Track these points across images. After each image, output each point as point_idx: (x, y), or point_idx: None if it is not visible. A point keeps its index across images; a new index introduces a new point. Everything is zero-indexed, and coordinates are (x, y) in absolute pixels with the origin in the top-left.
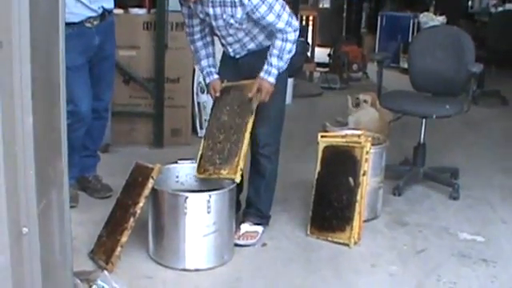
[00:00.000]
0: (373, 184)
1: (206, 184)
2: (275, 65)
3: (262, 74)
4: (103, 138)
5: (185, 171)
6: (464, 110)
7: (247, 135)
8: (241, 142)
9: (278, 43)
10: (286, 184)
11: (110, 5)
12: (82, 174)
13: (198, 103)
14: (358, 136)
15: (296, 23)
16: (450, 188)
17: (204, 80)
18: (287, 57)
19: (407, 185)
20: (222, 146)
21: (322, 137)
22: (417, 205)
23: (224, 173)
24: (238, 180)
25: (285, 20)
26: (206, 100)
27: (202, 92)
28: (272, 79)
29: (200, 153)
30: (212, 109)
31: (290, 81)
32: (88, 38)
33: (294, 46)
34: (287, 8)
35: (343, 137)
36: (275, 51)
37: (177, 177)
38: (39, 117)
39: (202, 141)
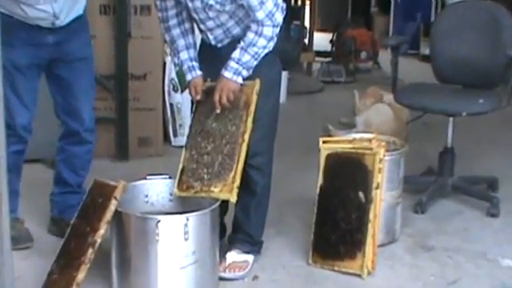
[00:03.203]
0: (389, 199)
1: (183, 204)
2: (239, 59)
3: (222, 70)
4: (88, 168)
5: (156, 189)
6: (502, 106)
7: (244, 147)
8: (237, 155)
9: (250, 36)
10: (282, 201)
11: (75, 13)
12: (61, 216)
13: (171, 105)
14: (369, 140)
15: (280, 18)
16: (487, 202)
17: (178, 76)
18: (257, 52)
19: (432, 199)
20: (211, 158)
21: (324, 142)
22: (445, 224)
23: (216, 190)
24: (234, 200)
25: (267, 10)
26: (181, 101)
27: (176, 91)
28: (235, 77)
29: (181, 166)
30: (194, 113)
31: (284, 74)
32: (36, 33)
33: (271, 44)
34: None
35: (350, 142)
36: (243, 43)
37: (146, 196)
38: None
39: (183, 151)
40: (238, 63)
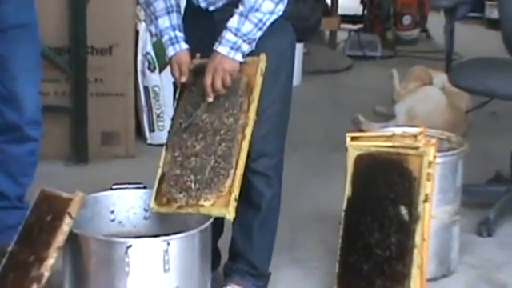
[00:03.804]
0: (442, 217)
1: (162, 224)
2: (237, 29)
3: (215, 44)
4: (33, 175)
5: (125, 203)
6: None
7: (245, 145)
8: (235, 156)
9: None
10: (296, 219)
11: None
12: None
13: (146, 89)
14: (414, 137)
15: None
16: None
17: (156, 50)
18: (262, 19)
19: (502, 217)
20: (201, 160)
21: (352, 139)
22: None
23: (206, 204)
24: (231, 217)
25: None
26: (159, 83)
27: (153, 70)
28: (233, 53)
29: (160, 171)
30: (178, 100)
31: (299, 48)
32: None
33: (280, 8)
34: None
35: (388, 138)
36: (242, 8)
37: (112, 212)
38: None
39: (163, 152)
40: (236, 35)
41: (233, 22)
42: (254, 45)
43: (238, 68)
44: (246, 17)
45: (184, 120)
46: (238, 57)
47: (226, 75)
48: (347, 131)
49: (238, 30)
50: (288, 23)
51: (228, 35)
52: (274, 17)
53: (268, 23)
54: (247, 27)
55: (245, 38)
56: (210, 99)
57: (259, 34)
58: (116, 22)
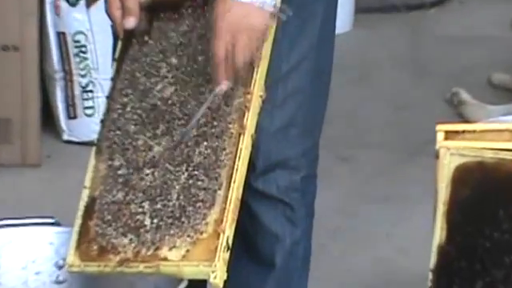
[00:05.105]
0: None
1: None
2: None
3: None
4: None
5: (19, 255)
6: None
7: (245, 145)
8: (225, 165)
9: None
10: (346, 279)
11: None
12: None
13: (61, 37)
14: None
15: None
16: None
17: None
18: None
19: None
20: (162, 175)
21: (448, 136)
22: None
23: (174, 256)
24: (219, 281)
25: None
26: (86, 29)
27: (73, 4)
28: None
29: (86, 195)
30: (118, 61)
31: None
32: None
33: None
34: None
35: None
36: None
37: None
38: None
39: (92, 158)
40: None
41: None
42: None
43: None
44: None
45: (132, 99)
46: (269, 6)
47: (255, 40)
48: (437, 121)
49: None
50: None
51: None
52: None
53: None
54: None
55: None
56: (223, 87)
57: None
58: None
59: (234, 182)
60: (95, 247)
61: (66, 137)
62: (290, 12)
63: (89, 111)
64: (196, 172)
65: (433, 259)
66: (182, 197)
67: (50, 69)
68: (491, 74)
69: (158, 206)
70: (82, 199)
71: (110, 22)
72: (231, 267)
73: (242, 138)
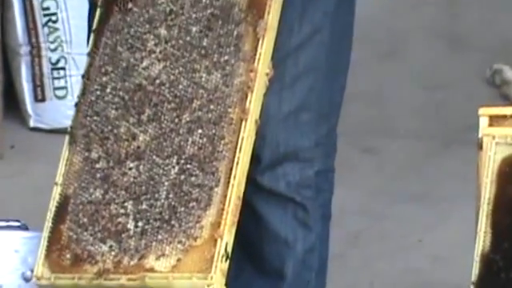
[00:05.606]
0: None
1: None
2: None
3: None
4: None
5: None
6: None
7: (248, 133)
8: (224, 157)
9: None
10: None
11: None
12: None
13: (26, 3)
14: None
15: None
16: None
17: None
18: None
19: None
20: (149, 169)
21: (492, 120)
22: None
23: (161, 267)
24: None
25: None
26: (56, 9)
27: None
28: None
29: (57, 193)
30: (96, 31)
31: None
32: None
33: None
34: None
35: None
36: None
37: None
38: None
39: (66, 149)
40: None
41: None
42: None
43: None
44: None
45: (112, 78)
46: None
47: None
48: (479, 104)
49: None
50: None
51: None
52: None
53: None
54: None
55: None
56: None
57: None
58: None
59: (234, 177)
60: (68, 256)
61: (32, 123)
62: None
63: (60, 92)
64: (189, 165)
65: (475, 270)
66: (171, 195)
67: (13, 42)
68: None
69: (144, 206)
70: (53, 198)
71: None
72: (231, 280)
73: (243, 124)
